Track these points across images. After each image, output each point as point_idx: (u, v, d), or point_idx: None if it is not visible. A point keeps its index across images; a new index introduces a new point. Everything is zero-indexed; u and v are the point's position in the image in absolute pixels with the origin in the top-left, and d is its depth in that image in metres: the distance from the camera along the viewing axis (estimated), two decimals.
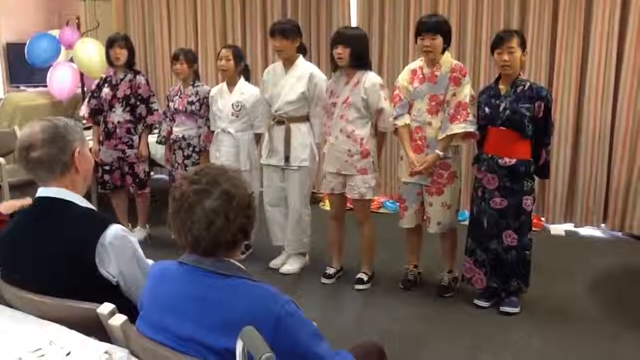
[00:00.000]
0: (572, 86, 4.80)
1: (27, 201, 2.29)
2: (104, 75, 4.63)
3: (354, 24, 5.50)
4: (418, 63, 3.65)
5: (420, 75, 3.58)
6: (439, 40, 3.47)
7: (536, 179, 3.52)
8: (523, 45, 3.35)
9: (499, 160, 3.38)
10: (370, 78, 3.67)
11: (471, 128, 3.45)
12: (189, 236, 1.51)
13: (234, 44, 4.79)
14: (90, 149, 2.06)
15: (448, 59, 3.54)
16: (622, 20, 4.58)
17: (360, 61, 3.65)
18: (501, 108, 3.36)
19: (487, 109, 3.42)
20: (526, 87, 3.35)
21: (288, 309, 1.47)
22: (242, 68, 4.23)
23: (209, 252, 1.52)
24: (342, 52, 3.61)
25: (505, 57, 3.30)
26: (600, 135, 4.77)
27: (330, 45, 3.75)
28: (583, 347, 3.16)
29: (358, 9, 5.55)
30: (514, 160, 3.35)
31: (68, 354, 1.53)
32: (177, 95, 4.48)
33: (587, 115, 4.79)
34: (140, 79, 4.56)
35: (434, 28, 3.47)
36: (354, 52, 3.61)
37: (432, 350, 3.17)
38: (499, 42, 3.34)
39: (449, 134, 3.47)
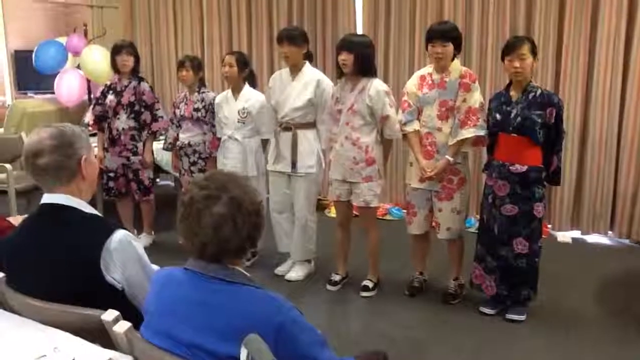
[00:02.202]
0: (579, 93, 4.78)
1: None
2: (108, 82, 4.64)
3: (359, 30, 5.51)
4: (427, 69, 3.65)
5: (430, 82, 3.58)
6: (450, 47, 3.47)
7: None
8: (534, 51, 3.33)
9: (510, 167, 3.36)
10: (375, 85, 3.66)
11: (481, 132, 3.45)
12: (196, 241, 1.51)
13: (237, 50, 4.79)
14: (95, 156, 2.06)
15: (457, 66, 3.54)
16: (629, 26, 4.57)
17: (364, 68, 3.65)
18: (512, 115, 3.35)
19: (498, 116, 3.41)
20: (537, 94, 3.33)
21: (292, 316, 1.47)
22: (246, 74, 4.24)
23: (215, 258, 1.51)
24: (347, 58, 3.61)
25: (517, 63, 3.29)
26: (607, 141, 4.75)
27: (335, 52, 3.75)
28: (589, 355, 3.14)
29: (364, 16, 5.56)
30: (525, 167, 3.33)
31: None
32: (183, 102, 4.49)
33: (594, 121, 4.78)
34: (145, 85, 4.57)
35: (445, 35, 3.46)
36: (358, 58, 3.60)
37: (437, 357, 3.15)
38: (509, 49, 3.33)
39: (460, 139, 3.47)
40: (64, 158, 1.81)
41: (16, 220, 2.37)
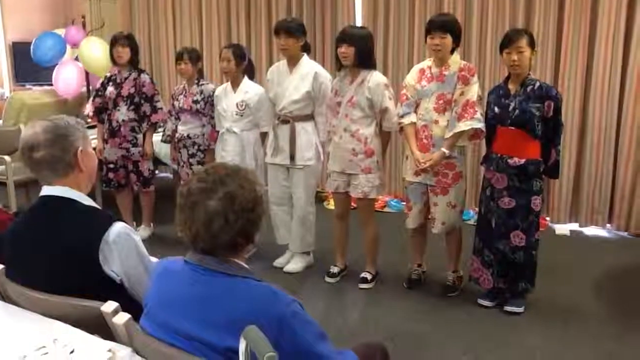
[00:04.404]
0: (578, 86, 4.78)
1: None
2: (108, 74, 4.64)
3: (358, 22, 5.49)
4: (427, 63, 3.64)
5: (429, 75, 3.57)
6: (449, 39, 3.46)
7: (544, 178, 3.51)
8: (532, 44, 3.32)
9: (509, 160, 3.36)
10: (375, 77, 3.66)
11: (478, 125, 3.42)
12: (189, 233, 1.51)
13: (233, 43, 4.78)
14: (95, 148, 2.06)
15: (457, 59, 3.53)
16: (628, 19, 4.56)
17: (365, 60, 3.65)
18: (511, 107, 3.34)
19: (496, 109, 3.41)
20: (536, 87, 3.33)
21: (292, 308, 1.47)
22: (245, 66, 4.23)
23: (207, 251, 1.51)
24: (347, 51, 3.60)
25: (514, 57, 3.28)
26: (605, 134, 4.75)
27: (335, 44, 3.75)
28: (586, 347, 3.16)
29: (363, 8, 5.54)
30: (523, 160, 3.33)
31: (72, 352, 1.53)
32: (182, 94, 4.49)
33: (593, 114, 4.78)
34: (145, 77, 4.57)
35: (444, 27, 3.46)
36: (359, 51, 3.60)
37: (436, 349, 3.16)
38: (507, 42, 3.32)
39: (456, 131, 3.46)
40: (59, 151, 1.81)
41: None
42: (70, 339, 1.59)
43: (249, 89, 4.20)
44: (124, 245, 1.78)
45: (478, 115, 3.44)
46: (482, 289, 3.60)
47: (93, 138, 4.14)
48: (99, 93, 4.62)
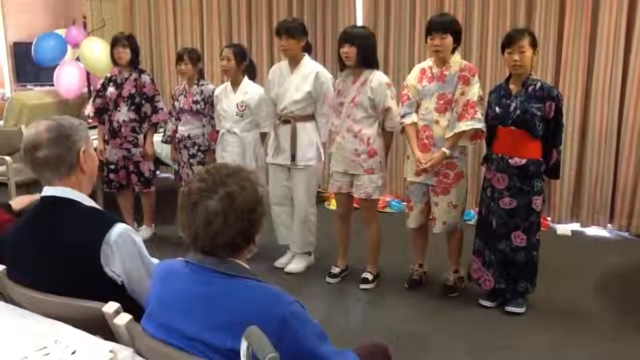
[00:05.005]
0: (579, 86, 4.77)
1: (37, 197, 2.30)
2: (109, 75, 4.64)
3: (359, 22, 5.49)
4: (428, 62, 3.64)
5: (430, 75, 3.57)
6: (449, 39, 3.46)
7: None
8: (534, 44, 3.32)
9: (509, 160, 3.36)
10: (377, 77, 3.66)
11: (479, 125, 3.43)
12: (188, 233, 1.51)
13: (235, 43, 4.78)
14: (96, 148, 2.05)
15: (457, 59, 3.53)
16: (629, 19, 4.55)
17: (367, 60, 3.65)
18: (512, 108, 3.34)
19: (497, 109, 3.40)
20: (537, 87, 3.32)
21: (293, 309, 1.46)
22: (245, 67, 4.22)
23: (208, 252, 1.51)
24: (349, 51, 3.60)
25: (516, 57, 3.28)
26: (606, 134, 4.75)
27: (337, 44, 3.75)
28: (587, 347, 3.15)
29: (364, 8, 5.54)
30: (524, 160, 3.33)
31: (73, 352, 1.53)
32: (182, 94, 4.49)
33: (594, 114, 4.77)
34: (145, 77, 4.57)
35: (444, 27, 3.46)
36: (361, 51, 3.60)
37: (437, 350, 3.16)
38: (509, 42, 3.31)
39: (456, 132, 3.46)
40: (62, 151, 1.81)
41: (17, 203, 2.36)
42: (72, 339, 1.59)
43: (249, 89, 4.20)
44: (125, 247, 1.78)
45: (479, 115, 3.44)
46: (483, 290, 3.60)
47: (94, 139, 4.14)
48: (100, 94, 4.62)
